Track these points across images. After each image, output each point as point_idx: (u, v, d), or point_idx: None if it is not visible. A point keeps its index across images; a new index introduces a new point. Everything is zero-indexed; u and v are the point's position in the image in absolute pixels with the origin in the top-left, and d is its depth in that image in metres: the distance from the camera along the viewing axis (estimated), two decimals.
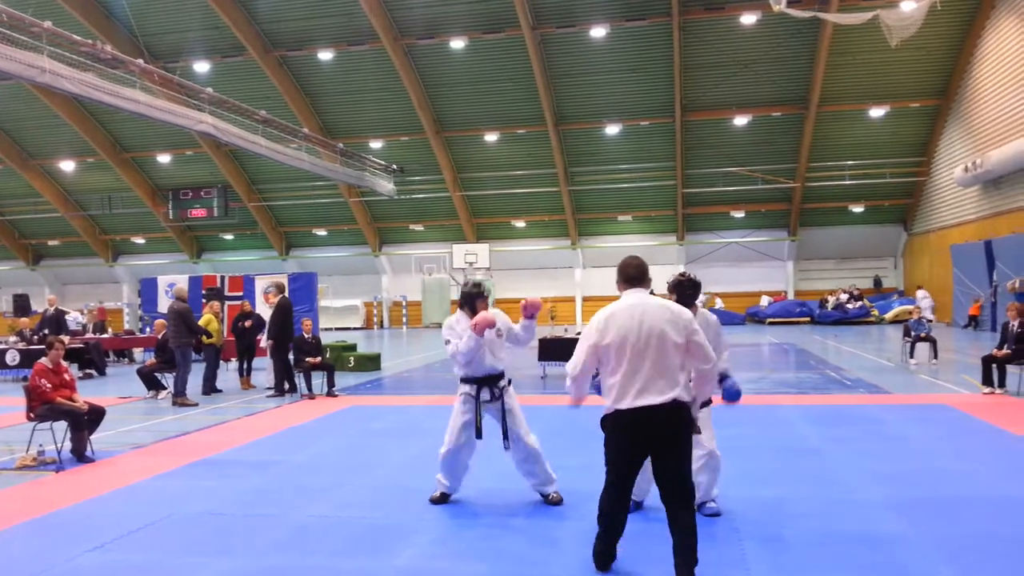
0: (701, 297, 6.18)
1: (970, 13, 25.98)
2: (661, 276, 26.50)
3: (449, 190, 35.74)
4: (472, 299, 6.26)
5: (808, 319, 32.21)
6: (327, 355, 14.57)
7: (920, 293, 29.75)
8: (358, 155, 30.07)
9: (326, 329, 32.65)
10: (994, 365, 11.66)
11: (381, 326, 39.65)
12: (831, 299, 32.66)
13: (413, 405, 11.94)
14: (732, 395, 5.52)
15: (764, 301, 34.22)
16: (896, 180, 32.79)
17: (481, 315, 5.92)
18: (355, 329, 37.05)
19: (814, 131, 31.06)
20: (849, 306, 31.61)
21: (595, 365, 4.41)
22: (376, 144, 34.01)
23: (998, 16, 24.72)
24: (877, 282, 36.14)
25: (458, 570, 4.83)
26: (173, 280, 20.68)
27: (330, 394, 12.87)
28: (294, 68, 31.54)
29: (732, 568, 4.69)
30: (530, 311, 5.97)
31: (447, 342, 6.15)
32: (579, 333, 15.94)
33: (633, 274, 4.51)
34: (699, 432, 4.60)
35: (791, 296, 35.66)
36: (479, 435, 6.14)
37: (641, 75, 30.23)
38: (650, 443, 4.29)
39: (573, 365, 4.47)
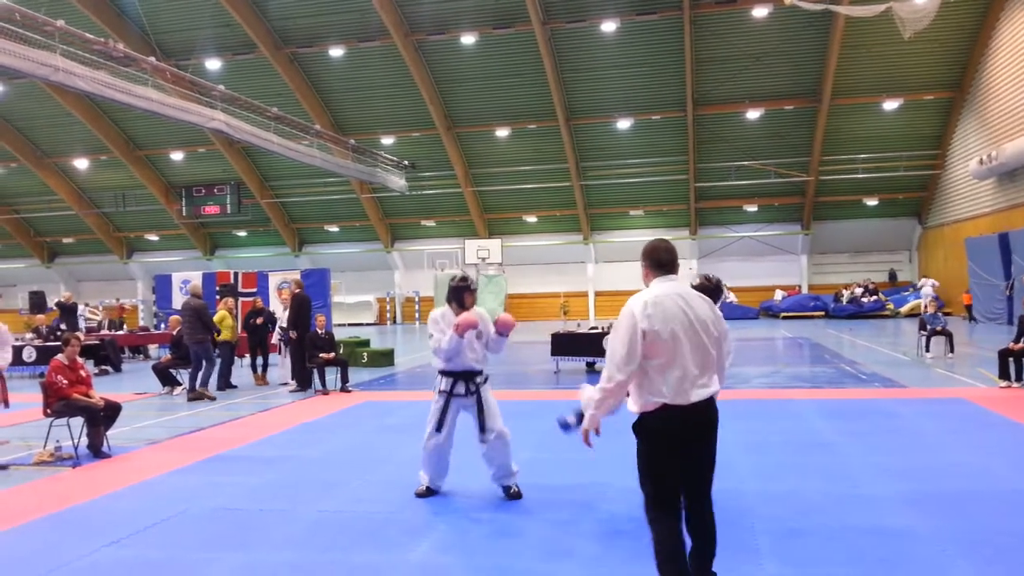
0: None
1: (984, 4, 25.75)
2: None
3: (461, 186, 35.76)
4: (460, 293, 6.36)
5: (822, 313, 32.06)
6: (340, 351, 14.61)
7: (923, 281, 29.65)
8: (370, 151, 30.14)
9: (339, 325, 32.76)
10: (1010, 359, 11.57)
11: (394, 322, 39.74)
12: (846, 293, 32.49)
13: (426, 400, 11.92)
14: None
15: (778, 295, 34.08)
16: (910, 173, 32.57)
17: (464, 316, 6.00)
18: (368, 325, 37.15)
19: (827, 124, 30.87)
20: (864, 300, 31.43)
21: (640, 356, 3.80)
22: (387, 140, 34.05)
23: (1013, 7, 24.48)
24: (892, 276, 35.91)
25: (470, 565, 4.84)
26: (187, 277, 20.81)
27: (344, 389, 12.92)
28: (305, 65, 31.61)
29: (746, 562, 4.68)
30: (502, 329, 6.17)
31: (430, 336, 6.27)
32: (592, 328, 15.95)
33: (666, 259, 4.03)
34: None
35: (805, 290, 35.49)
36: (439, 428, 6.32)
37: (652, 69, 30.14)
38: (690, 442, 3.90)
39: (620, 358, 3.81)
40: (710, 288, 5.68)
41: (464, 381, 6.28)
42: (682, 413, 3.80)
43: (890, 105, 30.25)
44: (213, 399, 12.45)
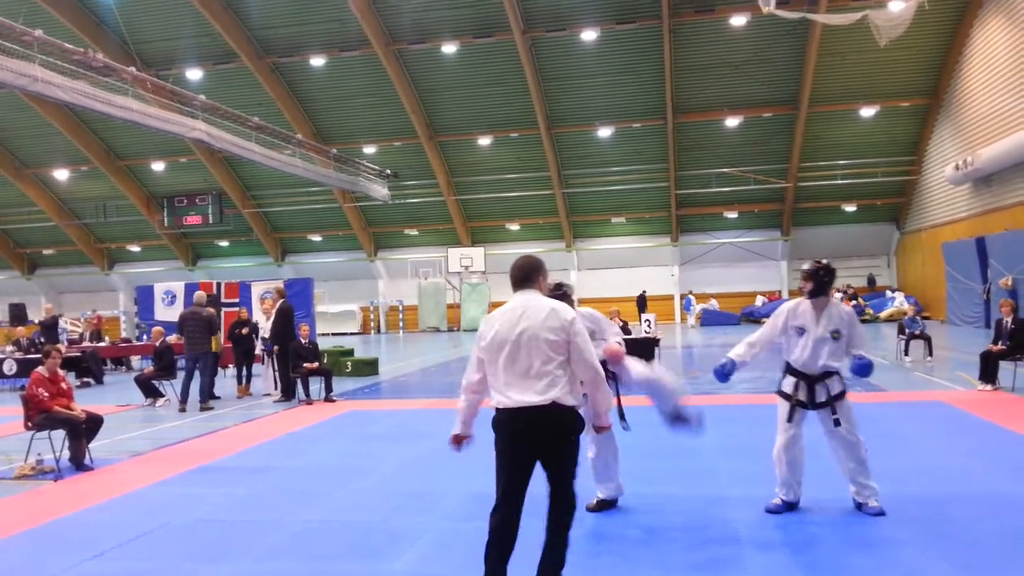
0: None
1: (958, 12, 26.11)
2: (655, 277, 26.80)
3: (443, 194, 35.79)
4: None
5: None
6: (324, 360, 14.58)
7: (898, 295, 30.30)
8: (352, 160, 30.12)
9: (323, 335, 32.63)
10: (989, 361, 11.71)
11: (378, 331, 39.64)
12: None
13: (411, 409, 11.97)
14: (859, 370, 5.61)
15: (759, 301, 34.29)
16: (888, 179, 32.91)
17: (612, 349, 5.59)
18: (352, 334, 37.03)
19: (805, 131, 31.17)
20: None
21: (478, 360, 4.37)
22: (370, 149, 34.03)
23: (985, 15, 24.86)
24: (871, 281, 36.23)
25: (456, 573, 4.86)
26: (169, 287, 20.67)
27: (328, 399, 12.89)
28: (287, 74, 31.58)
29: (727, 568, 4.73)
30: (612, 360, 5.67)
31: None
32: None
33: (517, 276, 4.35)
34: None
35: (785, 295, 35.72)
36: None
37: (632, 77, 30.34)
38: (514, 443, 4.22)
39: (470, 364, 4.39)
40: (820, 272, 5.73)
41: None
42: (507, 416, 4.12)
43: (867, 112, 30.58)
44: (211, 408, 12.45)
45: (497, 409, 4.18)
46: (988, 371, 11.67)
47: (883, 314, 30.90)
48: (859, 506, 5.64)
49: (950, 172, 27.00)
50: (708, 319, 33.52)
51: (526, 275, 4.31)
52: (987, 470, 6.80)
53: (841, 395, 5.63)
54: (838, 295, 32.07)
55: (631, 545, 5.20)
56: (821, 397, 5.64)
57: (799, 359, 5.70)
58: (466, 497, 6.56)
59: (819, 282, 5.68)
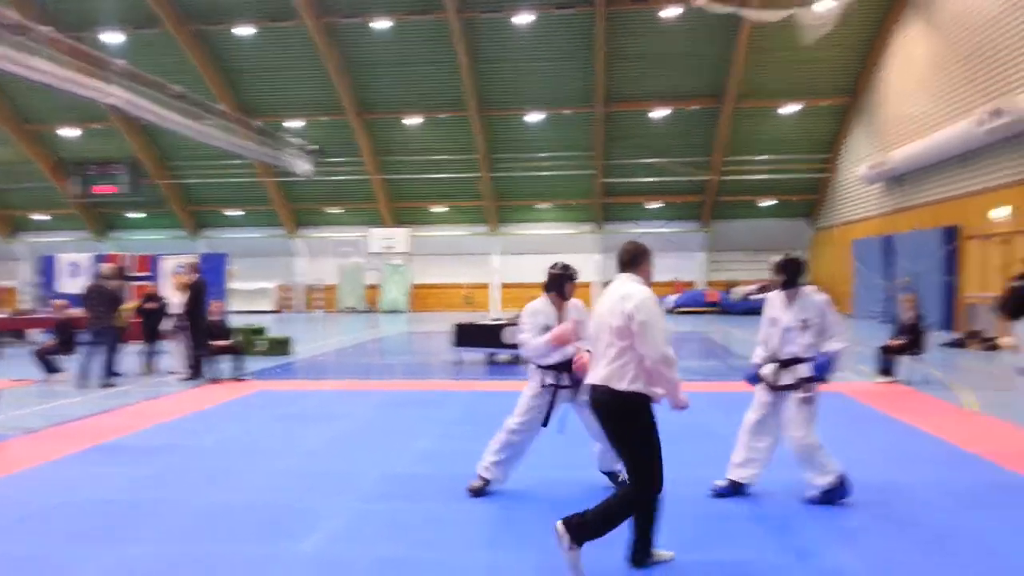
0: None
1: (880, 15, 26.95)
2: (579, 264, 26.70)
3: (369, 173, 35.25)
4: (561, 282, 5.99)
5: (716, 309, 33.06)
6: (236, 338, 14.20)
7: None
8: (276, 134, 29.33)
9: (237, 312, 31.86)
10: (888, 355, 12.20)
11: (294, 310, 38.89)
12: (736, 291, 33.63)
13: (325, 390, 11.77)
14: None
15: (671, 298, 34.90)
16: (804, 176, 33.90)
17: (561, 330, 5.71)
18: (267, 312, 36.24)
19: (729, 125, 31.81)
20: (752, 297, 32.67)
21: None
22: (295, 123, 33.22)
23: (906, 20, 25.73)
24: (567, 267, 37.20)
25: (366, 554, 4.79)
26: (75, 259, 19.81)
27: (238, 378, 12.58)
28: (211, 42, 30.49)
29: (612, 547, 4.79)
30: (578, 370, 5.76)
31: (523, 329, 5.89)
32: (496, 319, 16.01)
33: (623, 258, 4.70)
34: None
35: (703, 286, 36.54)
36: (545, 423, 5.93)
37: (565, 64, 30.35)
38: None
39: None
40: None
41: (567, 371, 5.88)
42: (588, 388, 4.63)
43: (789, 109, 31.39)
44: (113, 386, 11.98)
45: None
46: (886, 365, 12.16)
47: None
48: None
49: (863, 171, 27.95)
50: None
51: (624, 259, 4.66)
52: (882, 460, 7.07)
53: (808, 381, 5.78)
54: (750, 287, 32.92)
55: (540, 526, 5.22)
56: (786, 380, 5.85)
57: (771, 346, 5.97)
58: (379, 478, 6.49)
59: (789, 273, 5.94)
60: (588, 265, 37.99)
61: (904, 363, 12.32)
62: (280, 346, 17.09)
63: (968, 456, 7.20)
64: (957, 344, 17.88)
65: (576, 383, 5.86)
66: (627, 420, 4.38)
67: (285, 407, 10.07)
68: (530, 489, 6.15)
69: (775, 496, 5.89)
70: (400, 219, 38.28)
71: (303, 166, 30.76)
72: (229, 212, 39.08)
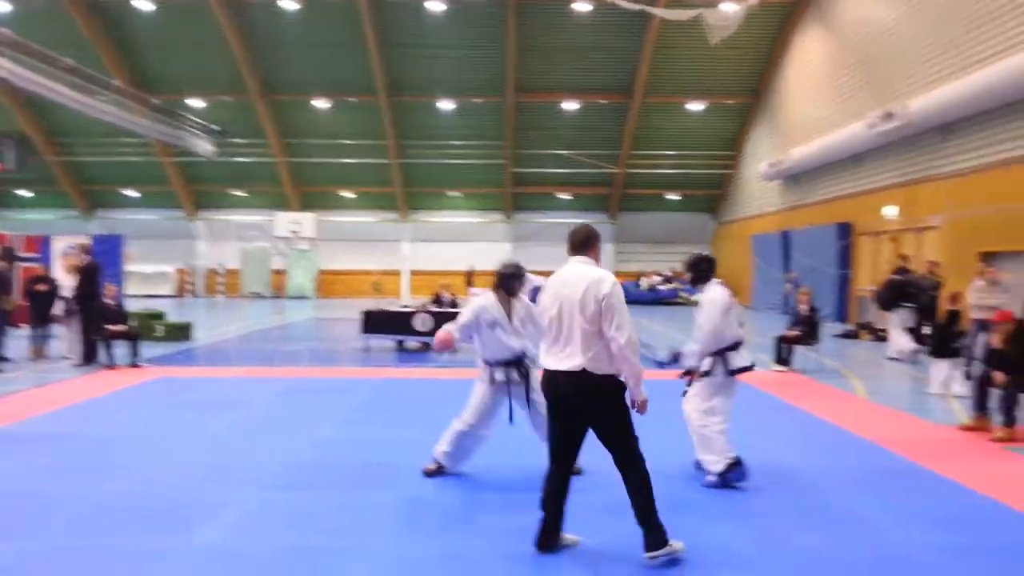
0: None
1: (781, 18, 27.90)
2: (489, 252, 26.98)
3: (274, 155, 34.36)
4: (511, 282, 6.07)
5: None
6: (132, 323, 13.66)
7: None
8: (175, 112, 28.23)
9: (134, 296, 30.63)
10: (785, 345, 12.73)
11: (195, 295, 37.64)
12: (644, 281, 34.42)
13: (226, 377, 11.45)
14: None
15: None
16: (708, 172, 34.90)
17: (441, 334, 5.66)
18: (166, 297, 34.95)
19: (637, 121, 32.40)
20: (660, 288, 33.54)
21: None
22: (196, 102, 32.06)
23: (805, 25, 26.73)
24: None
25: (267, 544, 4.69)
26: None
27: (134, 364, 12.11)
28: (107, 14, 29.07)
29: (515, 535, 4.85)
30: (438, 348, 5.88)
31: (464, 324, 5.94)
32: (404, 306, 15.90)
33: (575, 240, 4.64)
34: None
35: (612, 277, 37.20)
36: (510, 420, 5.96)
37: (477, 52, 30.25)
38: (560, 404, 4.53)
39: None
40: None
41: (516, 368, 5.96)
42: (548, 377, 4.50)
43: (695, 106, 32.20)
44: (1, 371, 11.34)
45: (544, 370, 4.54)
46: (783, 355, 12.68)
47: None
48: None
49: (763, 169, 28.96)
50: (535, 296, 34.34)
51: (585, 240, 4.60)
52: (781, 445, 7.37)
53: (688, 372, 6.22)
54: (657, 278, 33.71)
55: (446, 515, 5.22)
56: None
57: None
58: (281, 467, 6.37)
59: (697, 270, 6.33)
60: (499, 254, 38.18)
61: (800, 353, 12.88)
62: (180, 331, 16.53)
63: (858, 441, 7.58)
64: (850, 335, 18.78)
65: (526, 378, 5.95)
66: (614, 403, 4.43)
67: (184, 394, 9.76)
68: (431, 480, 6.14)
69: (674, 480, 6.05)
70: (307, 204, 37.51)
71: (205, 147, 29.75)
72: (126, 192, 37.45)
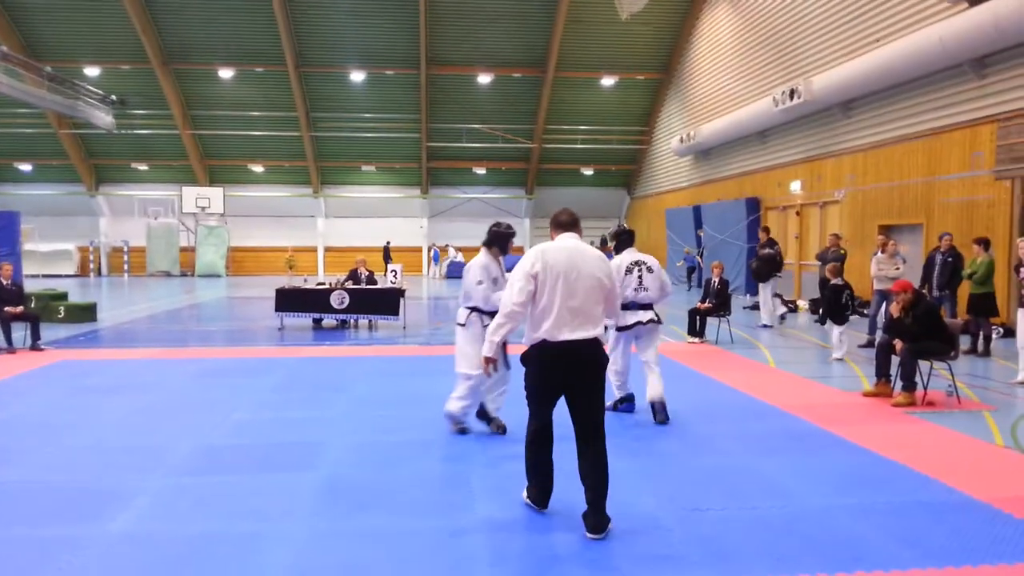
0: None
1: None
2: (404, 228, 26.81)
3: (178, 127, 33.11)
4: (505, 240, 6.68)
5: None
6: (32, 304, 13.04)
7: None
8: (70, 81, 26.85)
9: (32, 276, 29.22)
10: (697, 317, 13.07)
11: (99, 274, 36.15)
12: None
13: (134, 359, 11.06)
14: None
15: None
16: (622, 147, 35.34)
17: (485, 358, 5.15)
18: (68, 277, 33.48)
19: (551, 95, 32.50)
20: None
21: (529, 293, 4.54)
22: (92, 71, 30.56)
23: (713, 1, 27.21)
24: (604, 241, 38.88)
25: (179, 531, 4.56)
26: None
27: (34, 347, 11.59)
28: None
29: (435, 512, 4.88)
30: None
31: (479, 282, 6.44)
32: (320, 284, 15.62)
33: (565, 219, 4.83)
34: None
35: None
36: (507, 366, 6.49)
37: (387, 22, 29.70)
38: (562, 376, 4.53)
39: (513, 292, 4.55)
40: (621, 234, 7.31)
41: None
42: (554, 349, 4.46)
43: (607, 81, 32.48)
44: None
45: (544, 342, 4.51)
46: (696, 327, 13.02)
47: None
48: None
49: (675, 144, 29.49)
50: (454, 271, 34.23)
51: (571, 220, 4.84)
52: (693, 414, 7.58)
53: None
54: None
55: (368, 492, 5.19)
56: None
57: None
58: (191, 452, 6.20)
59: (619, 241, 7.45)
60: (415, 229, 37.93)
61: (712, 324, 13.24)
62: (83, 312, 15.89)
63: (766, 407, 7.87)
64: (759, 307, 19.34)
65: None
66: (605, 372, 4.66)
67: (88, 378, 9.39)
68: (351, 455, 6.11)
69: None
70: (215, 178, 36.39)
71: (103, 118, 28.41)
72: (19, 166, 35.53)
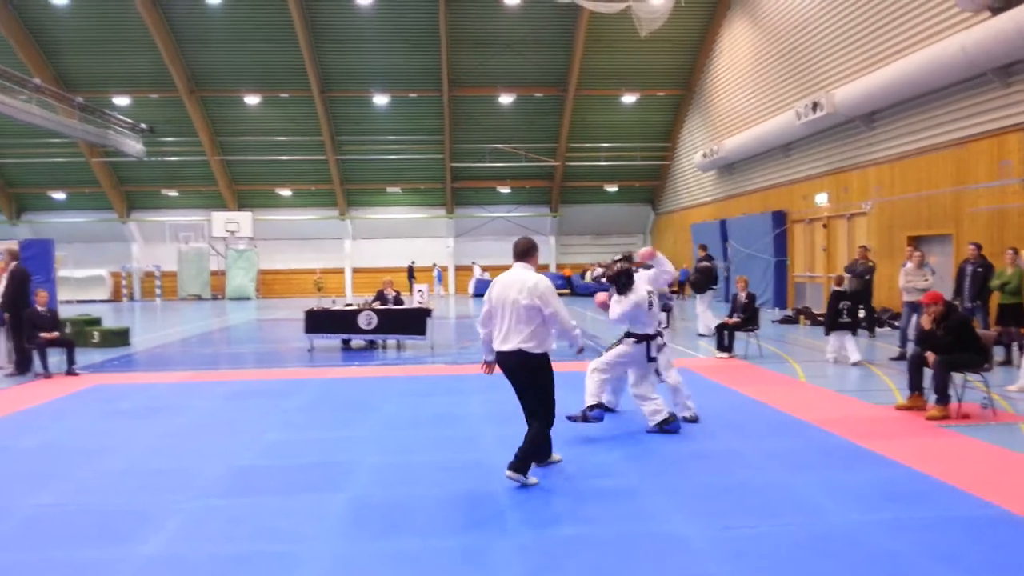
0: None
1: (708, 12, 28.36)
2: (431, 248, 26.95)
3: (206, 153, 33.64)
4: (533, 250, 6.40)
5: (568, 291, 33.97)
6: (66, 330, 13.27)
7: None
8: (101, 111, 27.40)
9: (67, 302, 29.70)
10: (726, 332, 12.97)
11: (132, 298, 36.68)
12: (588, 273, 34.68)
13: (166, 383, 11.20)
14: None
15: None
16: (645, 163, 35.31)
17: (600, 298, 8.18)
18: (101, 302, 34.01)
19: (573, 113, 32.60)
20: (604, 281, 33.77)
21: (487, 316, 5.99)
22: (122, 100, 31.18)
23: (732, 16, 27.22)
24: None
25: (210, 553, 4.60)
26: None
27: (70, 372, 11.76)
28: (24, 11, 28.07)
29: (463, 532, 4.87)
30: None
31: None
32: (348, 305, 15.73)
33: (517, 250, 6.04)
34: None
35: (553, 269, 37.42)
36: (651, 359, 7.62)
37: (409, 46, 30.06)
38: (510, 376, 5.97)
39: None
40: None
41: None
42: (499, 356, 5.90)
43: (628, 99, 32.53)
44: None
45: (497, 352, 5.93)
46: (724, 341, 12.92)
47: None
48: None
49: (698, 159, 29.42)
50: (480, 289, 34.29)
51: (521, 250, 6.02)
52: (724, 429, 7.52)
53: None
54: (599, 270, 34.04)
55: (398, 518, 5.21)
56: None
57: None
58: (222, 473, 6.25)
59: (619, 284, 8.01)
60: (441, 249, 38.11)
61: (740, 339, 13.14)
62: (117, 337, 16.13)
63: (797, 422, 7.78)
64: (789, 320, 19.24)
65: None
66: (540, 373, 5.81)
67: (122, 402, 9.52)
68: (379, 475, 6.13)
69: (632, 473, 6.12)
70: (244, 202, 36.88)
71: (133, 146, 28.93)
72: (53, 195, 36.25)
